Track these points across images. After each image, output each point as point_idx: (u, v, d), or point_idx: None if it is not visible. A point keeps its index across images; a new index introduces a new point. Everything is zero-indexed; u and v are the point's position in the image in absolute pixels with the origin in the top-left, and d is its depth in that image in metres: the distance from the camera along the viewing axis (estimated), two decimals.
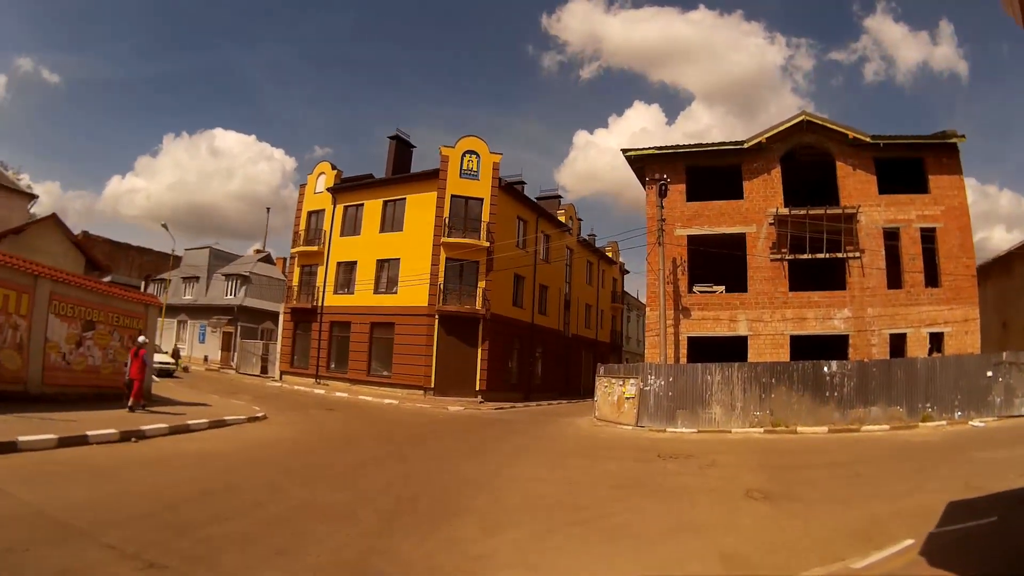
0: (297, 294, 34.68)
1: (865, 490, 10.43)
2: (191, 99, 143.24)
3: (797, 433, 19.09)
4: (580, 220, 46.31)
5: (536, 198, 39.32)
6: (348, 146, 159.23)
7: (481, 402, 30.12)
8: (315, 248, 34.43)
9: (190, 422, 15.43)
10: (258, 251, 43.08)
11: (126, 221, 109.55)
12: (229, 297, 40.99)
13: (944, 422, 19.11)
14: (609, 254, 53.30)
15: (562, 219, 41.59)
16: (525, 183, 38.29)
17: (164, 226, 39.17)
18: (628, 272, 57.96)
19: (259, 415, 18.60)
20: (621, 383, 23.14)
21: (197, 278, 43.68)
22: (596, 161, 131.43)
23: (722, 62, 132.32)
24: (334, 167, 35.18)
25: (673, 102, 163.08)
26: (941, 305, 25.22)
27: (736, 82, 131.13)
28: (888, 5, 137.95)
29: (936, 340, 24.97)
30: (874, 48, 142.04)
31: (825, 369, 20.49)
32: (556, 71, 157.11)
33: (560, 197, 45.40)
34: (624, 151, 27.61)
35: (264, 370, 35.84)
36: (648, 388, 21.79)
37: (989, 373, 19.85)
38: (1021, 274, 29.76)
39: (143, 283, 44.64)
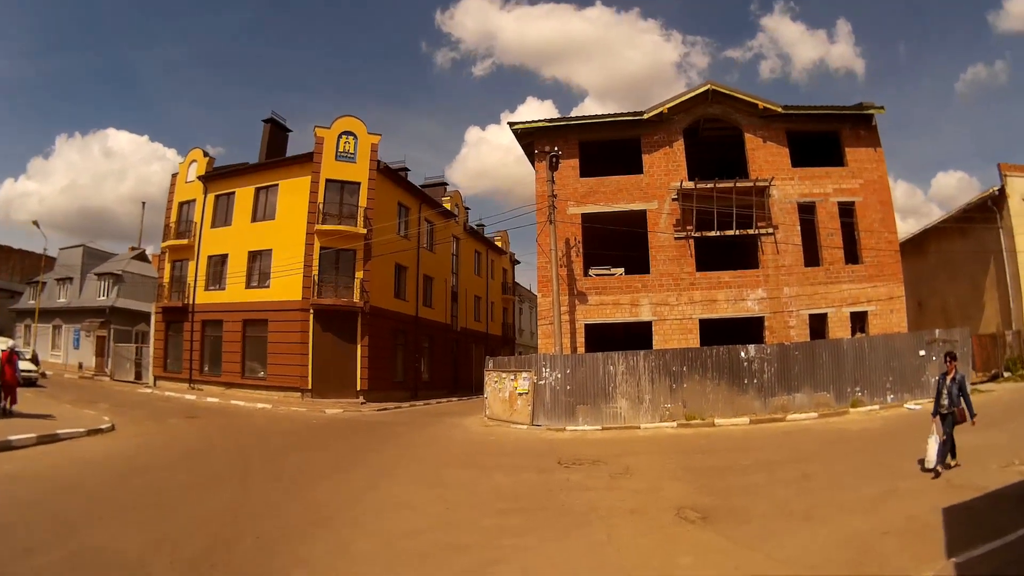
0: (168, 292, 28.85)
1: (825, 497, 8.46)
2: (83, 99, 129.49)
3: (715, 426, 16.47)
4: (468, 209, 40.85)
5: (421, 186, 34.22)
6: (239, 147, 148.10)
7: (363, 403, 24.92)
8: (185, 241, 28.57)
9: (14, 438, 12.45)
10: (133, 248, 37.04)
11: (19, 227, 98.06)
12: (102, 298, 34.67)
13: (877, 406, 17.01)
14: (499, 243, 48.00)
15: (448, 207, 36.51)
16: (409, 170, 33.17)
17: (35, 223, 33.06)
18: (519, 262, 52.80)
19: (104, 427, 15.19)
20: (512, 377, 19.34)
21: (71, 279, 36.98)
22: (488, 158, 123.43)
23: (617, 59, 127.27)
24: (206, 154, 29.30)
25: (566, 98, 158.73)
26: (864, 283, 21.95)
27: (630, 79, 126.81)
28: (786, 5, 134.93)
29: (860, 320, 21.85)
30: (771, 46, 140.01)
31: (743, 354, 17.63)
32: (449, 68, 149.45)
33: (446, 184, 40.19)
34: (511, 124, 22.68)
35: (139, 376, 29.95)
36: (543, 382, 18.14)
37: (921, 353, 17.72)
38: (935, 253, 27.25)
39: (27, 287, 38.54)
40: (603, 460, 12.00)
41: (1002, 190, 23.93)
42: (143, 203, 60.33)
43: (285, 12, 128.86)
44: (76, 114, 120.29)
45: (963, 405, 9.33)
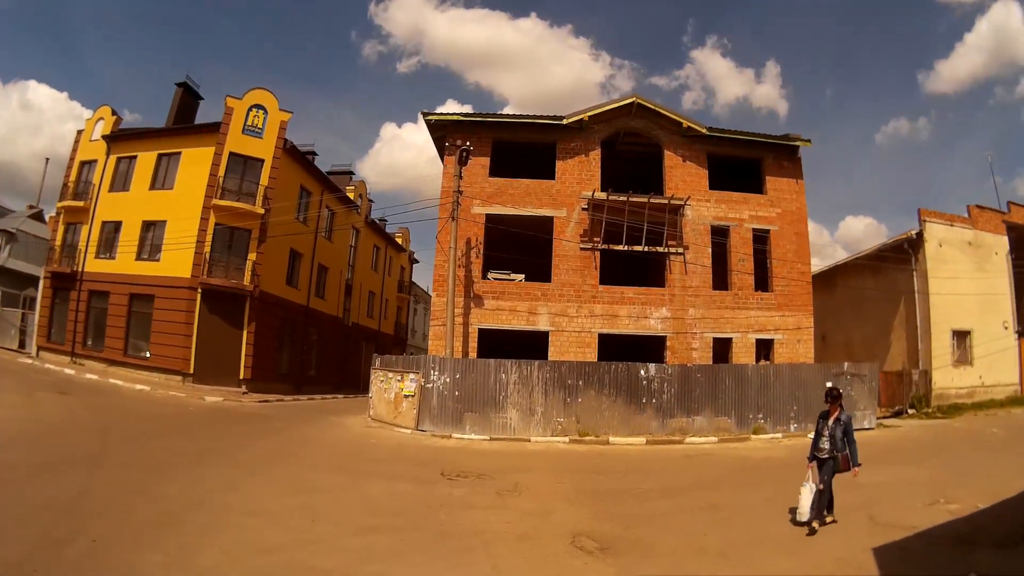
0: (60, 256, 26.05)
1: (740, 532, 7.58)
2: (2, 43, 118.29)
3: (609, 444, 15.49)
4: (372, 202, 38.25)
5: (327, 172, 31.89)
6: (156, 115, 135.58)
7: (245, 392, 22.82)
8: (81, 204, 25.68)
9: None
10: (31, 207, 33.92)
11: None
12: None
13: (779, 435, 16.40)
14: (399, 240, 45.59)
15: (351, 196, 34.13)
16: (317, 155, 30.78)
17: None
18: (418, 262, 50.53)
19: None
20: (399, 378, 17.77)
21: None
22: (400, 156, 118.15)
23: (543, 72, 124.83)
24: (115, 112, 26.48)
25: (486, 104, 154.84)
26: (772, 311, 21.07)
27: (553, 93, 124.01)
28: (719, 40, 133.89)
29: (765, 347, 21.00)
30: (697, 78, 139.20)
31: (642, 372, 16.63)
32: (376, 61, 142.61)
33: (352, 173, 37.51)
34: (425, 114, 20.83)
35: (22, 344, 27.09)
36: (431, 385, 16.71)
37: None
38: (843, 289, 26.87)
39: None
40: (490, 474, 10.88)
41: (920, 234, 23.69)
42: (47, 159, 56.04)
43: None
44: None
45: (847, 451, 7.86)
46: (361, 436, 15.87)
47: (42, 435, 11.55)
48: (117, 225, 25.16)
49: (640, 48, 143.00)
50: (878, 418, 18.21)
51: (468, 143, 19.05)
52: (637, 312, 20.08)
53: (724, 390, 16.74)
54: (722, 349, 20.58)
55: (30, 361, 24.51)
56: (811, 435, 15.63)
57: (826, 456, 7.83)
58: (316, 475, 10.35)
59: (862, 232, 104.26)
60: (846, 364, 18.05)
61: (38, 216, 32.67)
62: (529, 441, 15.56)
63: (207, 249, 22.95)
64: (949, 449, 14.30)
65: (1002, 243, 24.65)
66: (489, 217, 20.19)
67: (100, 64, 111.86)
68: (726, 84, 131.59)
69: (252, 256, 23.68)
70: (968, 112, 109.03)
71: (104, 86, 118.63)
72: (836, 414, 7.95)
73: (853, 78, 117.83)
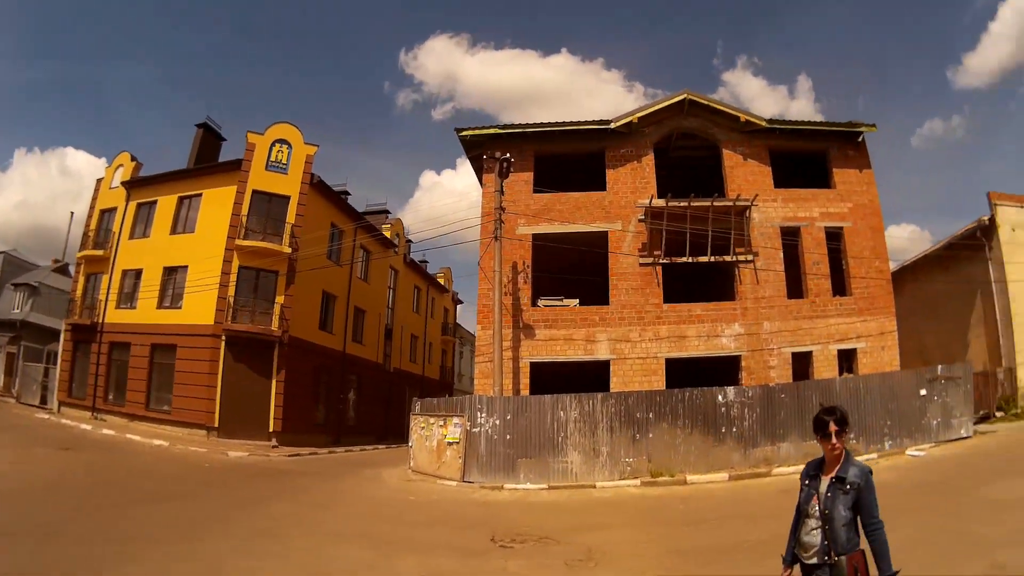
0: (80, 308, 23.34)
1: None
2: (44, 112, 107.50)
3: (687, 483, 12.43)
4: (410, 241, 34.43)
5: (362, 213, 28.74)
6: (182, 162, 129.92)
7: (275, 446, 19.60)
8: (101, 252, 23.05)
9: None
10: (56, 261, 31.36)
11: None
12: (15, 312, 28.81)
13: (874, 455, 13.05)
14: (441, 280, 41.26)
15: (388, 235, 30.92)
16: (349, 194, 27.74)
17: None
18: (461, 302, 45.44)
19: None
20: (442, 423, 14.63)
21: None
22: (440, 202, 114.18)
23: (577, 108, 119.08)
24: (134, 158, 23.95)
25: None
26: (852, 317, 17.43)
27: None
28: (749, 60, 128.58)
29: (847, 358, 17.46)
30: (731, 99, 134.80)
31: (720, 398, 13.54)
32: (410, 109, 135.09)
33: (388, 212, 34.19)
34: (458, 131, 17.75)
35: (44, 400, 24.29)
36: (478, 429, 13.65)
37: (923, 392, 14.11)
38: (911, 292, 23.42)
39: None
40: (554, 536, 8.11)
41: (992, 219, 20.12)
42: (71, 213, 52.82)
43: (252, 39, 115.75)
44: (35, 129, 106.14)
45: (868, 543, 3.24)
46: (398, 492, 12.98)
47: (12, 495, 9.29)
48: (138, 273, 22.34)
49: (672, 75, 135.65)
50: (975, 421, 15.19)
51: (508, 155, 15.89)
52: (707, 331, 16.66)
53: (811, 410, 13.18)
54: (801, 365, 17.09)
55: (47, 416, 21.80)
56: (909, 451, 12.67)
57: (815, 561, 3.26)
58: (335, 548, 7.64)
59: (907, 240, 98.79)
60: (940, 367, 14.84)
61: (63, 270, 29.95)
62: (595, 487, 12.53)
63: (231, 293, 19.99)
64: None
65: None
66: (536, 237, 16.93)
67: (133, 127, 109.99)
68: (761, 103, 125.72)
69: (280, 299, 20.68)
70: (1002, 103, 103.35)
71: (136, 148, 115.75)
72: (837, 466, 3.32)
73: (883, 84, 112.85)
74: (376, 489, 13.24)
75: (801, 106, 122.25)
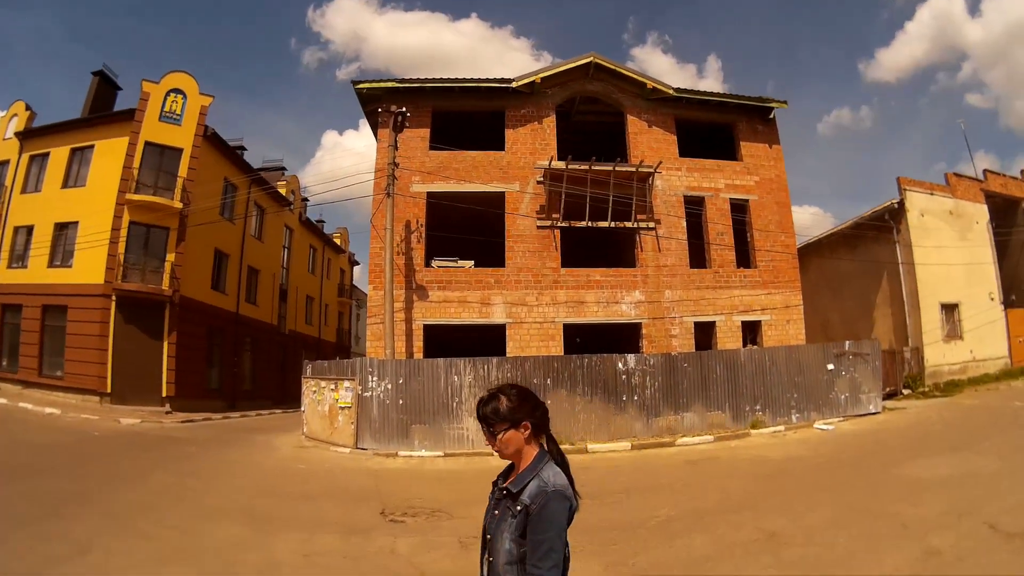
0: None
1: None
2: None
3: (589, 452, 11.83)
4: (307, 200, 32.21)
5: (258, 169, 26.99)
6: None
7: (168, 412, 18.28)
8: None
9: None
10: None
11: None
12: None
13: (781, 427, 13.01)
14: (338, 241, 39.61)
15: (283, 192, 29.16)
16: (246, 149, 26.22)
17: None
18: (359, 263, 44.04)
19: None
20: (333, 387, 13.72)
21: None
22: (342, 163, 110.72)
23: (484, 73, 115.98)
24: (28, 107, 21.96)
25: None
26: (757, 289, 17.30)
27: None
28: (660, 37, 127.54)
29: (752, 330, 17.27)
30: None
31: (620, 365, 13.04)
32: (315, 68, 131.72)
33: (284, 169, 32.18)
34: (355, 83, 16.64)
35: None
36: (370, 393, 12.76)
37: (830, 367, 14.00)
38: (817, 269, 23.57)
39: None
40: (447, 509, 7.52)
41: (901, 203, 20.44)
42: None
43: None
44: None
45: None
46: (289, 460, 11.93)
47: None
48: (29, 230, 20.53)
49: (581, 47, 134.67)
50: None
51: (403, 108, 14.89)
52: (607, 297, 16.07)
53: (715, 380, 13.30)
54: (705, 335, 16.74)
55: None
56: (817, 424, 12.32)
57: None
58: (211, 525, 6.80)
59: (810, 221, 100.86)
60: (848, 343, 14.64)
61: None
62: (492, 455, 11.31)
63: (121, 250, 18.48)
64: (985, 429, 11.35)
65: (982, 212, 21.61)
66: (431, 195, 16.01)
67: (32, 79, 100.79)
68: (669, 80, 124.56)
69: (171, 257, 19.23)
70: (911, 99, 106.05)
71: (35, 100, 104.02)
72: (514, 475, 2.15)
73: (794, 69, 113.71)
74: (266, 458, 12.18)
75: (710, 85, 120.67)
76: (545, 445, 2.17)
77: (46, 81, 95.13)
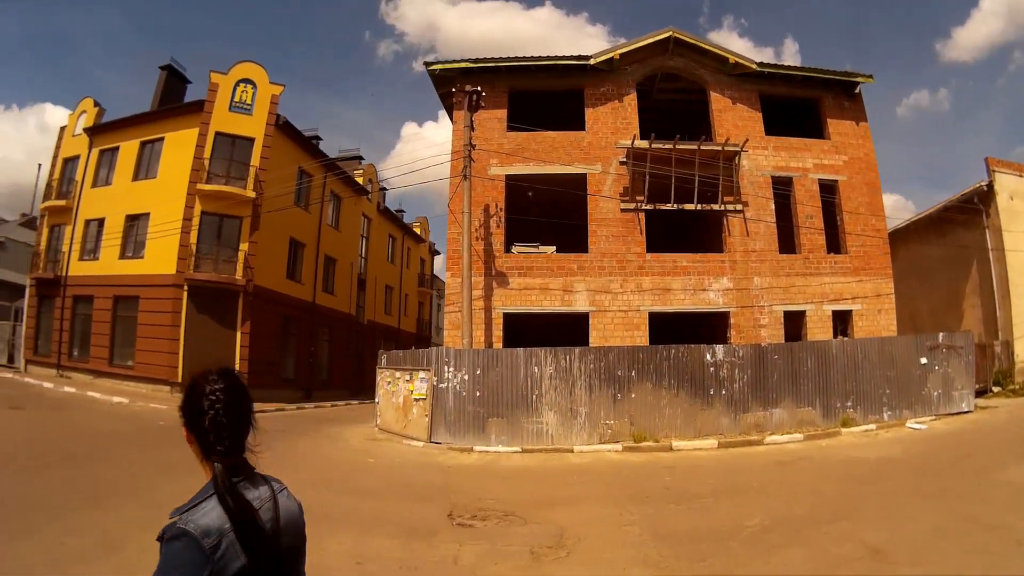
0: (44, 261, 21.53)
1: None
2: (17, 70, 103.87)
3: (673, 450, 10.83)
4: (384, 189, 31.44)
5: (334, 159, 26.31)
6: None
7: None
8: (64, 203, 21.22)
9: None
10: (24, 215, 29.23)
11: None
12: None
13: (872, 426, 11.73)
14: (417, 230, 38.17)
15: (360, 181, 28.28)
16: (321, 139, 25.54)
17: None
18: (439, 253, 42.38)
19: None
20: (408, 377, 12.99)
21: None
22: (423, 154, 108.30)
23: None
24: (97, 104, 21.98)
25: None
26: (848, 276, 15.81)
27: None
28: (735, 21, 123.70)
29: (842, 320, 15.85)
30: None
31: (708, 356, 11.89)
32: (391, 60, 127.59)
33: (361, 158, 30.88)
34: (428, 64, 15.90)
35: (11, 359, 22.56)
36: (445, 384, 12.03)
37: (923, 361, 12.56)
38: (903, 257, 21.39)
39: None
40: (520, 511, 6.70)
41: (990, 185, 18.67)
42: (39, 165, 49.19)
43: None
44: (9, 87, 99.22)
45: None
46: (358, 453, 11.36)
47: None
48: (101, 222, 20.46)
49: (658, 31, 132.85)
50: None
51: (478, 88, 14.06)
52: (693, 284, 15.00)
53: (806, 374, 12.04)
54: (794, 325, 15.52)
55: (11, 375, 20.03)
56: (909, 423, 11.26)
57: None
58: None
59: (891, 208, 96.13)
60: (941, 335, 13.26)
61: (31, 224, 27.69)
62: (572, 451, 11.03)
63: (193, 240, 18.16)
64: None
65: None
66: (510, 178, 15.19)
67: (104, 78, 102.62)
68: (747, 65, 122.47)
69: (244, 246, 18.77)
70: (988, 79, 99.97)
71: (105, 97, 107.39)
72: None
73: (870, 51, 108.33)
74: (334, 449, 11.64)
75: None
76: (218, 474, 1.41)
77: (114, 78, 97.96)
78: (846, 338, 15.04)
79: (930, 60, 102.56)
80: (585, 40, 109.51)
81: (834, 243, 16.31)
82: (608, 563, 5.07)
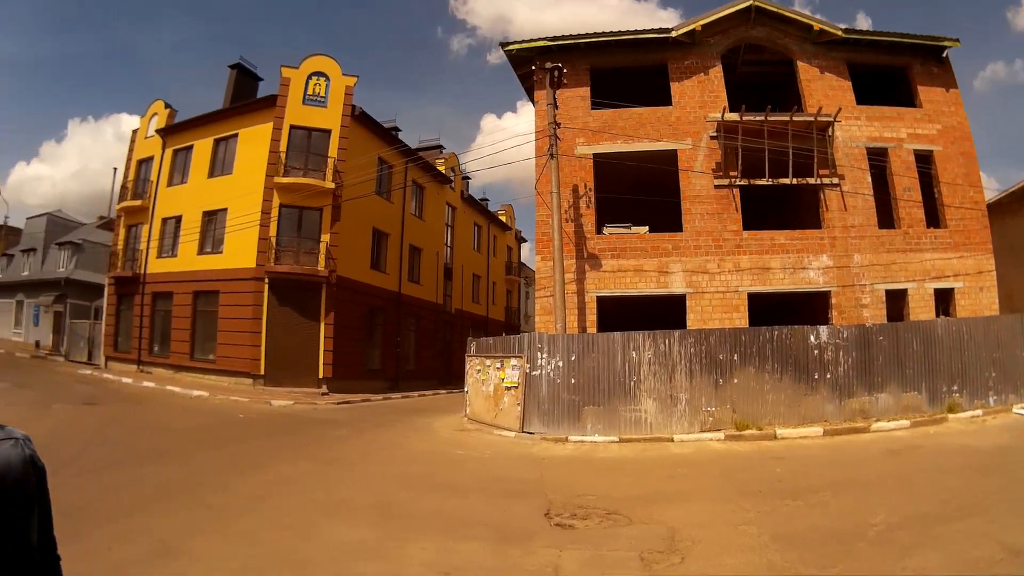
0: (121, 260, 21.75)
1: None
2: (95, 81, 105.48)
3: (777, 439, 10.07)
4: (467, 178, 30.94)
5: (415, 149, 25.77)
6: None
7: (324, 393, 17.64)
8: (139, 203, 21.44)
9: None
10: (101, 217, 29.62)
11: (29, 209, 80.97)
12: (60, 270, 27.28)
13: (979, 411, 10.83)
14: (503, 218, 37.31)
15: (441, 169, 27.54)
16: (400, 130, 25.15)
17: None
18: (526, 240, 41.88)
19: None
20: (499, 365, 12.38)
21: (34, 250, 29.61)
22: (504, 146, 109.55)
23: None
24: (168, 105, 22.19)
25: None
26: (948, 252, 14.72)
27: None
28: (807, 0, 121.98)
29: (943, 299, 14.72)
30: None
31: (812, 338, 11.06)
32: (465, 54, 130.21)
33: (441, 147, 30.24)
34: (503, 44, 15.41)
35: (91, 356, 22.87)
36: (538, 372, 11.45)
37: None
38: (996, 232, 19.43)
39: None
40: (625, 509, 6.03)
41: None
42: (115, 169, 50.14)
43: None
44: (89, 97, 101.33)
45: None
46: (445, 445, 10.86)
47: None
48: (177, 220, 20.62)
49: None
50: None
51: (559, 64, 13.52)
52: (792, 262, 14.22)
53: (911, 356, 11.21)
54: (895, 304, 14.53)
55: (91, 372, 20.22)
56: (1016, 409, 10.39)
57: None
58: (332, 524, 5.61)
59: None
60: None
61: (107, 226, 28.07)
62: (672, 440, 10.37)
63: (272, 233, 18.02)
64: None
65: None
66: (597, 156, 14.59)
67: (175, 84, 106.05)
68: None
69: (326, 237, 18.51)
70: None
71: (176, 101, 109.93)
72: None
73: (942, 23, 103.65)
74: (420, 441, 11.17)
75: None
76: None
77: (185, 85, 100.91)
78: (945, 318, 14.18)
79: (1004, 29, 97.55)
80: (656, 25, 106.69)
81: (932, 217, 15.37)
82: (729, 570, 4.48)
